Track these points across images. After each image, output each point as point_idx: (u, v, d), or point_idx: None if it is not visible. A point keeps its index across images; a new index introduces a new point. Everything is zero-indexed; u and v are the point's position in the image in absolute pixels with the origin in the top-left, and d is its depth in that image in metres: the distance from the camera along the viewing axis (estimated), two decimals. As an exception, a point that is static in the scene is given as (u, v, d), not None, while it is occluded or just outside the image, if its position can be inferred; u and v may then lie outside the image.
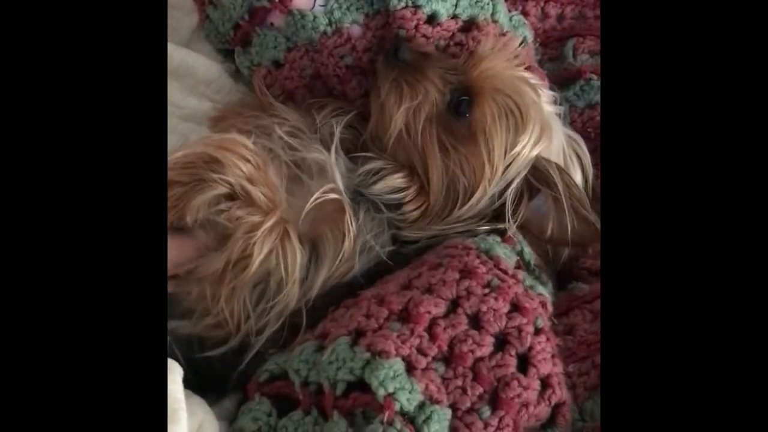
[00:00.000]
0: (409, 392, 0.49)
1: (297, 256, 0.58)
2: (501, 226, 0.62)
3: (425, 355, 0.51)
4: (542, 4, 0.85)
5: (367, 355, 0.50)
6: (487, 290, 0.55)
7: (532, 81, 0.66)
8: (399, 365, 0.49)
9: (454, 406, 0.50)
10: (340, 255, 0.60)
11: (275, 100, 0.70)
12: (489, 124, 0.62)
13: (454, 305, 0.54)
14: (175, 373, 0.51)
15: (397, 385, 0.49)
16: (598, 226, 0.60)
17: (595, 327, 0.59)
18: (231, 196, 0.58)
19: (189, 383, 0.53)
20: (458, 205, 0.63)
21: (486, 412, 0.50)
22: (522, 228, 0.63)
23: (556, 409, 0.52)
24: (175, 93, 0.77)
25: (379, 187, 0.63)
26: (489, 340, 0.52)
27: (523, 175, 0.63)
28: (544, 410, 0.51)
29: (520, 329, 0.53)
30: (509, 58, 0.66)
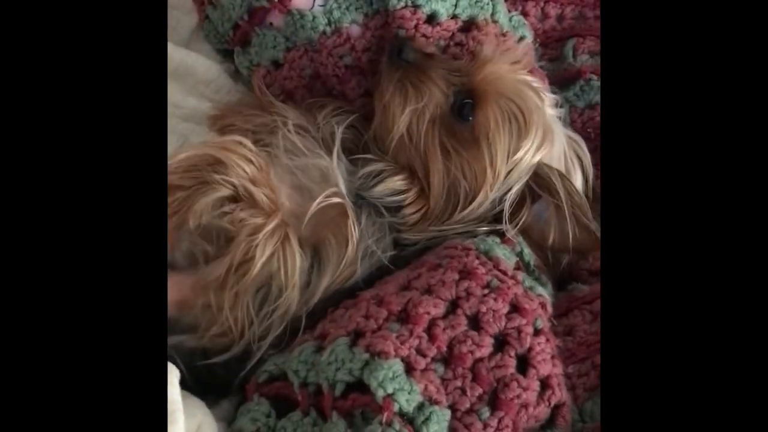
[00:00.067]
0: (409, 393, 0.49)
1: (297, 259, 0.58)
2: (500, 227, 0.62)
3: (424, 355, 0.51)
4: (542, 4, 0.84)
5: (366, 355, 0.50)
6: (486, 291, 0.54)
7: (536, 85, 0.66)
8: (398, 366, 0.49)
9: (453, 407, 0.50)
10: (344, 260, 0.59)
11: (275, 100, 0.70)
12: (492, 129, 0.62)
13: (454, 306, 0.54)
14: (172, 376, 0.51)
15: (396, 385, 0.49)
16: (599, 234, 0.60)
17: (595, 328, 0.59)
18: (234, 198, 0.58)
19: (190, 389, 0.53)
20: (459, 208, 0.63)
21: (485, 412, 0.49)
22: (523, 234, 0.63)
23: (556, 410, 0.52)
24: (174, 93, 0.77)
25: (379, 189, 0.63)
26: (488, 341, 0.52)
27: (524, 180, 0.62)
28: (543, 411, 0.51)
29: (519, 330, 0.53)
30: (513, 61, 0.66)
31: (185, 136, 0.77)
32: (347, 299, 0.58)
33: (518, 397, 0.50)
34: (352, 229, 0.60)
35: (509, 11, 0.77)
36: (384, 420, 0.47)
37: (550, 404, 0.51)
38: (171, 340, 0.56)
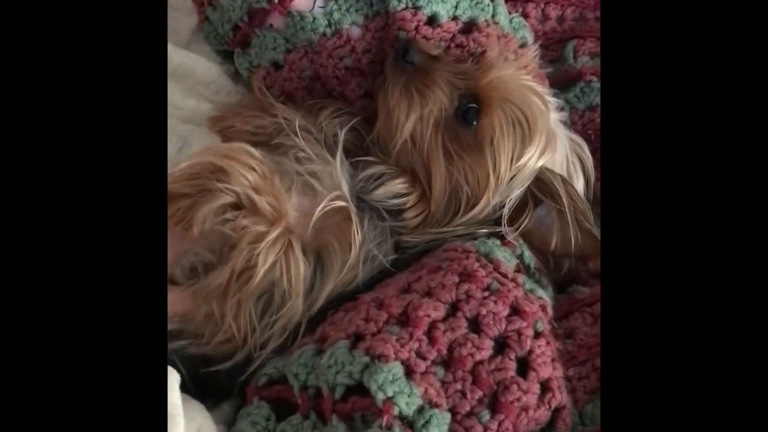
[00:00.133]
0: (408, 396, 0.49)
1: (301, 268, 0.58)
2: (501, 229, 0.62)
3: (424, 358, 0.51)
4: (542, 5, 0.84)
5: (366, 359, 0.50)
6: (486, 294, 0.54)
7: (540, 90, 0.65)
8: (398, 369, 0.49)
9: (453, 410, 0.50)
10: (347, 265, 0.59)
11: (275, 101, 0.70)
12: (496, 135, 0.62)
13: (454, 309, 0.54)
14: (171, 380, 0.51)
15: (396, 389, 0.48)
16: None
17: (596, 330, 0.59)
18: (237, 206, 0.58)
19: (190, 392, 0.53)
20: (460, 213, 0.62)
21: (485, 416, 0.49)
22: (524, 238, 0.62)
23: (556, 412, 0.52)
24: (174, 94, 0.77)
25: (380, 192, 0.63)
26: (488, 344, 0.52)
27: (526, 185, 0.62)
28: (543, 414, 0.51)
29: (519, 333, 0.53)
30: (519, 66, 0.66)
31: (185, 138, 0.77)
32: (347, 302, 0.58)
33: (518, 400, 0.50)
34: (356, 234, 0.60)
35: (510, 13, 0.77)
36: (384, 423, 0.47)
37: (550, 407, 0.51)
38: (173, 345, 0.56)
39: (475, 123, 0.63)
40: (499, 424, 0.49)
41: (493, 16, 0.72)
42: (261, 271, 0.56)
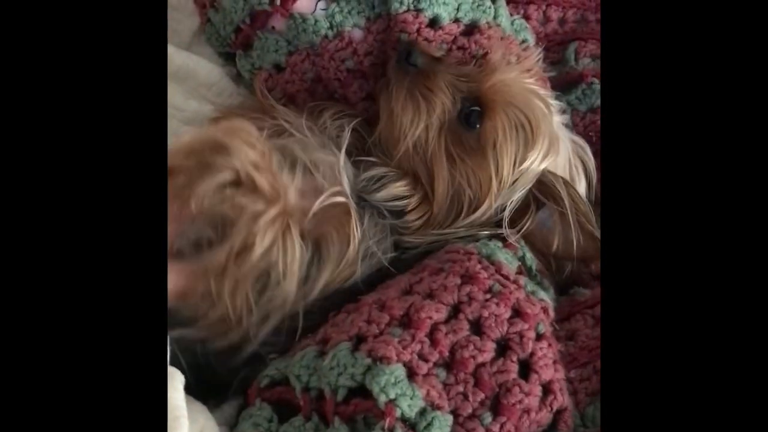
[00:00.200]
0: (411, 398, 0.49)
1: (297, 249, 0.57)
2: (501, 231, 0.62)
3: (426, 360, 0.51)
4: (544, 7, 0.84)
5: (368, 360, 0.50)
6: (488, 296, 0.54)
7: (543, 94, 0.65)
8: (400, 371, 0.49)
9: (455, 413, 0.50)
10: (345, 259, 0.59)
11: (277, 103, 0.70)
12: (499, 139, 0.62)
13: (456, 311, 0.54)
14: (176, 381, 0.51)
15: (399, 391, 0.49)
16: None
17: (597, 332, 0.59)
18: (236, 183, 0.57)
19: (191, 390, 0.53)
20: (462, 215, 0.62)
21: (487, 418, 0.50)
22: (526, 240, 0.62)
23: (558, 415, 0.52)
24: (176, 96, 0.77)
25: (382, 194, 0.63)
26: (490, 346, 0.52)
27: (528, 188, 0.62)
28: (545, 416, 0.51)
29: (521, 335, 0.53)
30: (522, 70, 0.66)
31: (186, 140, 0.77)
32: (349, 303, 0.58)
33: (520, 402, 0.50)
34: (355, 229, 0.60)
35: (511, 15, 0.77)
36: (386, 425, 0.47)
37: (552, 409, 0.51)
38: (172, 333, 0.56)
39: (478, 126, 0.63)
40: (501, 427, 0.49)
41: (495, 18, 0.72)
42: (258, 250, 0.56)
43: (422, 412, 0.49)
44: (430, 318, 0.52)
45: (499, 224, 0.63)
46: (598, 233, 0.60)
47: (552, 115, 0.65)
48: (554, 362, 0.53)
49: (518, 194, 0.62)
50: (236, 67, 0.75)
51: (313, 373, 0.53)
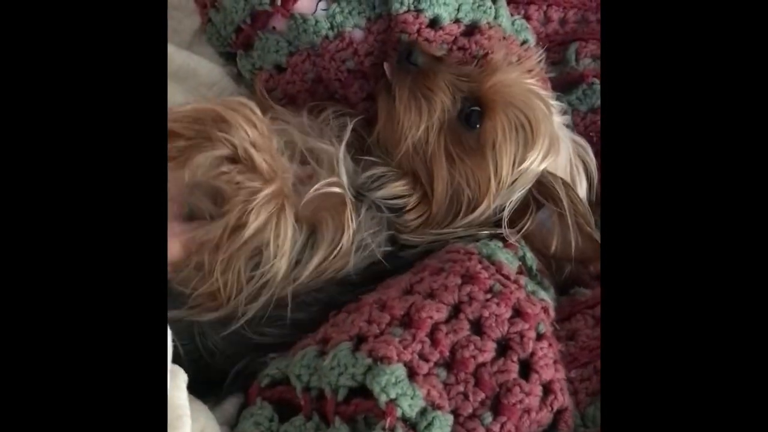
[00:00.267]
0: (411, 398, 0.49)
1: (289, 229, 0.58)
2: (501, 231, 0.62)
3: (427, 360, 0.51)
4: (544, 8, 0.84)
5: (369, 360, 0.50)
6: (489, 295, 0.54)
7: (544, 94, 0.65)
8: (401, 371, 0.49)
9: (455, 412, 0.50)
10: (338, 246, 0.59)
11: (277, 103, 0.70)
12: (499, 139, 0.62)
13: (456, 310, 0.54)
14: (179, 379, 0.51)
15: (399, 391, 0.49)
16: None
17: (597, 332, 0.59)
18: (233, 159, 0.58)
19: (192, 383, 0.53)
20: (461, 215, 0.62)
21: (488, 418, 0.50)
22: (525, 241, 0.62)
23: (558, 415, 0.52)
24: (176, 95, 0.77)
25: (381, 194, 0.63)
26: (491, 346, 0.52)
27: (527, 188, 0.62)
28: (546, 416, 0.51)
29: (522, 335, 0.53)
30: (523, 70, 0.66)
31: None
32: (346, 300, 0.58)
33: (521, 402, 0.50)
34: (350, 219, 0.60)
35: (512, 15, 0.77)
36: (387, 425, 0.47)
37: (552, 409, 0.51)
38: (168, 314, 0.56)
39: (478, 126, 0.63)
40: (502, 426, 0.49)
41: (495, 18, 0.72)
42: (252, 227, 0.56)
43: (423, 412, 0.49)
44: (431, 318, 0.53)
45: (498, 224, 0.63)
46: (596, 235, 0.60)
47: (552, 116, 0.65)
48: (555, 362, 0.53)
49: (517, 195, 0.62)
50: (237, 66, 0.75)
51: (313, 372, 0.53)
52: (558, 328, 0.57)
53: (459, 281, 0.55)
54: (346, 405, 0.50)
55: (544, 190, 0.62)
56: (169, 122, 0.56)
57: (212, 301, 0.58)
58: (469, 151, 0.62)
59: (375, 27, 0.69)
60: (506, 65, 0.65)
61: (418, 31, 0.68)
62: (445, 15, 0.69)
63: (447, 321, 0.53)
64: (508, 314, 0.54)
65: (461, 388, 0.50)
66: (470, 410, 0.50)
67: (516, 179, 0.62)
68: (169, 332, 0.50)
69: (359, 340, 0.53)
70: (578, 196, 0.63)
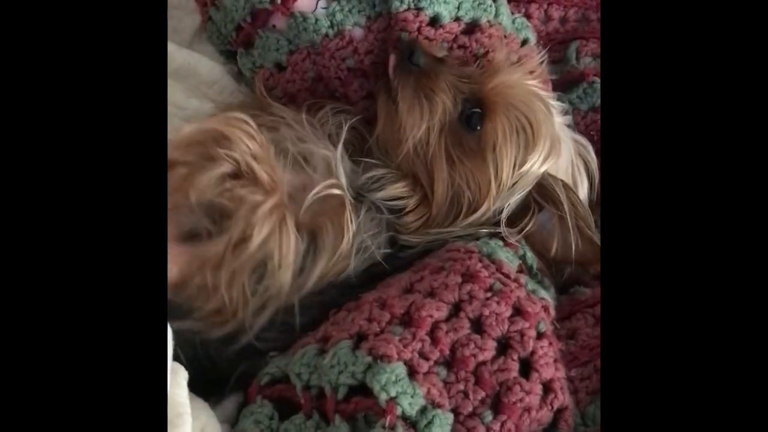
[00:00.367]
0: (411, 396, 0.49)
1: (292, 240, 0.57)
2: (501, 230, 0.62)
3: (427, 359, 0.51)
4: (545, 6, 0.84)
5: (369, 359, 0.50)
6: (489, 294, 0.54)
7: (545, 96, 0.65)
8: (401, 369, 0.49)
9: (456, 411, 0.50)
10: (339, 251, 0.59)
11: (277, 102, 0.70)
12: (499, 141, 0.61)
13: (456, 309, 0.54)
14: (180, 377, 0.51)
15: (399, 389, 0.49)
16: None
17: (598, 331, 0.59)
18: (236, 175, 0.58)
19: (192, 384, 0.53)
20: (461, 217, 0.62)
21: (488, 416, 0.50)
22: (526, 242, 0.62)
23: (559, 413, 0.52)
24: (177, 94, 0.77)
25: (381, 195, 0.63)
26: (491, 345, 0.52)
27: (527, 190, 0.62)
28: (546, 415, 0.51)
29: (522, 333, 0.53)
30: (525, 71, 0.65)
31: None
32: (346, 299, 0.58)
33: (521, 400, 0.50)
34: (349, 221, 0.60)
35: (512, 13, 0.77)
36: (387, 424, 0.47)
37: (552, 408, 0.51)
38: (171, 325, 0.56)
39: (478, 128, 0.62)
40: (502, 425, 0.49)
41: (496, 16, 0.72)
42: (256, 240, 0.56)
43: (423, 411, 0.49)
44: (431, 316, 0.53)
45: (499, 224, 0.62)
46: (597, 238, 0.60)
47: (554, 118, 0.65)
48: (555, 361, 0.53)
49: (516, 196, 0.62)
50: (237, 65, 0.75)
51: (313, 371, 0.53)
52: (558, 327, 0.57)
53: (459, 280, 0.55)
54: (346, 403, 0.50)
55: (544, 193, 0.62)
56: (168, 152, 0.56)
57: (218, 316, 0.58)
58: (469, 153, 0.62)
59: (375, 25, 0.69)
60: (508, 66, 0.65)
61: (419, 29, 0.68)
62: (446, 13, 0.69)
63: (447, 319, 0.53)
64: (508, 313, 0.54)
65: (461, 387, 0.50)
66: (470, 409, 0.50)
67: (516, 182, 0.62)
68: (170, 333, 0.50)
69: (359, 339, 0.52)
70: (579, 198, 0.62)
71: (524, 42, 0.75)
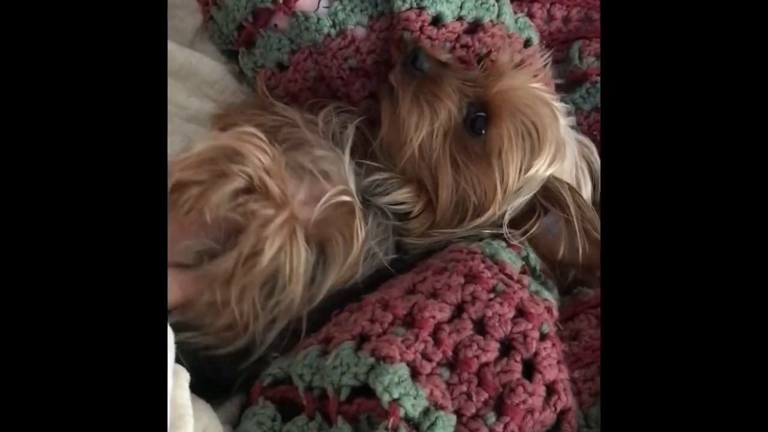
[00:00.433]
0: (414, 398, 0.48)
1: (302, 254, 0.57)
2: (504, 231, 0.62)
3: (430, 360, 0.51)
4: (548, 6, 0.84)
5: (372, 360, 0.50)
6: (492, 295, 0.54)
7: (550, 99, 0.65)
8: (404, 371, 0.49)
9: (458, 412, 0.49)
10: (349, 260, 0.59)
11: (279, 101, 0.70)
12: (505, 146, 0.61)
13: (459, 310, 0.54)
14: (182, 379, 0.51)
15: (402, 390, 0.48)
16: None
17: (601, 332, 0.59)
18: (248, 190, 0.58)
19: (194, 387, 0.53)
20: (466, 221, 0.62)
21: (491, 418, 0.49)
22: (530, 244, 0.62)
23: (562, 415, 0.52)
24: (178, 94, 0.77)
25: (386, 200, 0.63)
26: (494, 346, 0.52)
27: (533, 193, 0.62)
28: (549, 416, 0.51)
29: (525, 335, 0.53)
30: (529, 74, 0.65)
31: (189, 137, 0.76)
32: (351, 302, 0.58)
33: (524, 402, 0.50)
34: (359, 229, 0.60)
35: (515, 13, 0.76)
36: (390, 425, 0.47)
37: (556, 409, 0.51)
38: (176, 337, 0.56)
39: (483, 132, 0.62)
40: (505, 427, 0.49)
41: (499, 16, 0.72)
42: (268, 255, 0.56)
43: (426, 412, 0.48)
44: (434, 317, 0.52)
45: (502, 225, 0.62)
46: None
47: (559, 121, 0.64)
48: (558, 362, 0.53)
49: (520, 200, 0.62)
50: (239, 64, 0.75)
51: (315, 372, 0.52)
52: (561, 328, 0.57)
53: (462, 281, 0.55)
54: (349, 404, 0.50)
55: (550, 196, 0.62)
56: (177, 172, 0.56)
57: (230, 331, 0.58)
58: (474, 157, 0.62)
59: (377, 25, 0.69)
60: (512, 69, 0.64)
61: (421, 28, 0.68)
62: (448, 12, 0.69)
63: (450, 321, 0.53)
64: (511, 314, 0.53)
65: (464, 388, 0.50)
66: (473, 410, 0.49)
67: (522, 186, 0.62)
68: (171, 333, 0.50)
69: (362, 340, 0.52)
70: (585, 201, 0.62)
71: (527, 42, 0.75)
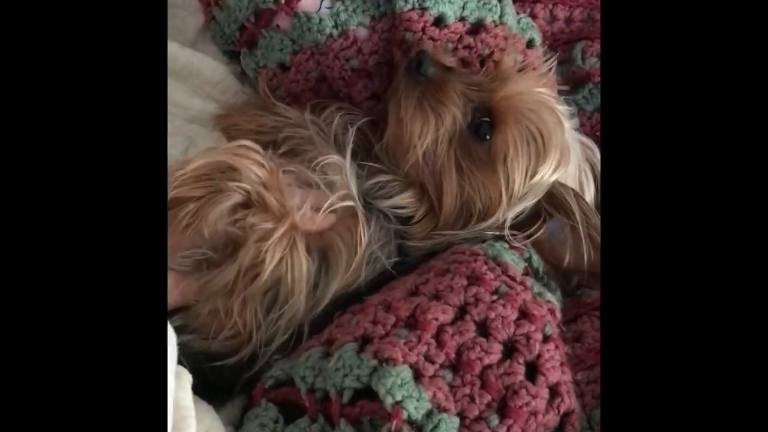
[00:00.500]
0: (417, 400, 0.48)
1: (303, 265, 0.58)
2: (506, 232, 0.62)
3: (433, 362, 0.50)
4: (550, 6, 0.84)
5: (374, 362, 0.50)
6: (495, 297, 0.54)
7: (555, 104, 0.64)
8: (406, 373, 0.49)
9: (461, 415, 0.49)
10: (352, 266, 0.59)
11: (281, 102, 0.70)
12: (510, 152, 0.61)
13: (462, 312, 0.53)
14: (184, 380, 0.50)
15: (405, 392, 0.48)
16: None
17: (604, 334, 0.59)
18: (246, 204, 0.58)
19: (197, 390, 0.53)
20: (470, 225, 0.62)
21: (494, 420, 0.49)
22: (534, 249, 0.62)
23: (565, 417, 0.51)
24: (180, 94, 0.77)
25: (388, 204, 0.62)
26: (497, 348, 0.52)
27: (537, 198, 0.62)
28: (552, 419, 0.51)
29: (528, 337, 0.52)
30: (534, 79, 0.65)
31: (191, 138, 0.76)
32: (353, 304, 0.58)
33: (527, 404, 0.50)
34: (362, 234, 0.60)
35: (517, 13, 0.76)
36: (393, 428, 0.47)
37: (559, 412, 0.51)
38: (177, 339, 0.56)
39: (488, 138, 0.62)
40: (508, 429, 0.49)
41: (501, 16, 0.72)
42: (268, 268, 0.56)
43: (429, 414, 0.48)
44: (437, 319, 0.52)
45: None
46: None
47: (564, 126, 0.64)
48: (561, 364, 0.53)
49: (524, 205, 0.62)
50: (241, 65, 0.75)
51: (318, 374, 0.52)
52: (564, 330, 0.57)
53: (465, 282, 0.55)
54: (352, 407, 0.50)
55: (555, 201, 0.62)
56: (173, 189, 0.56)
57: (234, 343, 0.58)
58: (479, 163, 0.62)
59: (379, 25, 0.69)
60: (516, 73, 0.64)
61: (423, 29, 0.68)
62: (450, 13, 0.69)
63: (453, 322, 0.53)
64: (514, 316, 0.53)
65: (467, 391, 0.50)
66: (476, 413, 0.49)
67: (527, 192, 0.61)
68: (172, 334, 0.49)
69: (364, 342, 0.52)
70: (590, 207, 0.62)
71: (530, 42, 0.75)
